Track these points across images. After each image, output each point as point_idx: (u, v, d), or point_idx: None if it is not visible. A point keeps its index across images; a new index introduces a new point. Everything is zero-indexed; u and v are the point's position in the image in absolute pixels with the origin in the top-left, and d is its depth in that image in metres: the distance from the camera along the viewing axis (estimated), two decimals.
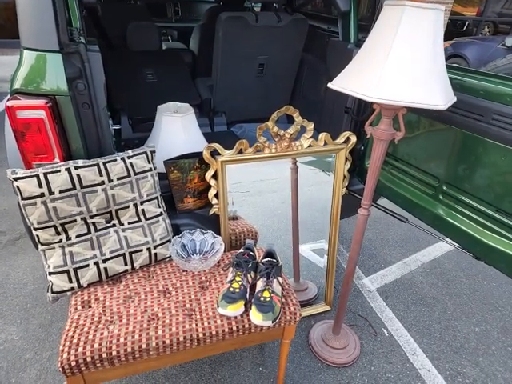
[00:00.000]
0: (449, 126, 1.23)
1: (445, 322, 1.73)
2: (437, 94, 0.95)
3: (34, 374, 1.40)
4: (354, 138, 1.45)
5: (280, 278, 1.19)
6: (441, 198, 1.31)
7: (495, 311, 1.81)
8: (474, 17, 7.56)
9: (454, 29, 7.03)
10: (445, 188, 1.29)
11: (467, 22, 7.28)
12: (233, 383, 1.40)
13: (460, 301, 1.86)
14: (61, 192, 1.10)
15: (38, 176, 1.08)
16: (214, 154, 1.31)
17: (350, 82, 1.02)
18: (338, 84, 1.05)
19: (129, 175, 1.19)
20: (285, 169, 1.52)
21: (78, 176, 1.11)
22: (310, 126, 1.36)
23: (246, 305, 1.12)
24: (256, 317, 1.08)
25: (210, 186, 1.35)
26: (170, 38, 2.87)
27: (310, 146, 1.41)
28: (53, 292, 1.16)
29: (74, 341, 1.01)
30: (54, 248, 1.14)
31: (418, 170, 1.38)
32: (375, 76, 0.96)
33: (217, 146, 1.29)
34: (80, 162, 1.14)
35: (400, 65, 0.94)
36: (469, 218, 1.23)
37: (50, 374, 1.40)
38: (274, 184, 1.56)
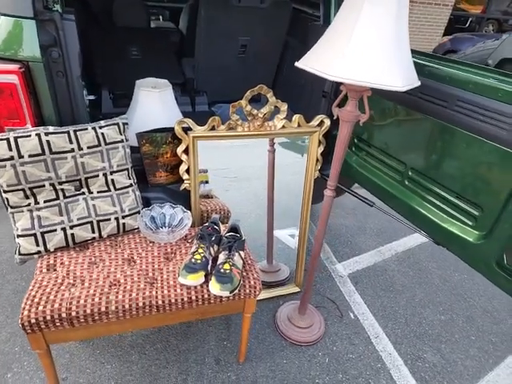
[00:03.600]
0: (416, 112, 1.25)
1: (411, 308, 1.77)
2: (396, 76, 0.96)
3: (3, 336, 1.44)
4: (327, 122, 1.47)
5: (242, 252, 1.22)
6: (406, 183, 1.33)
7: (463, 301, 1.85)
8: (477, 14, 7.50)
9: (457, 25, 6.97)
10: (410, 174, 1.31)
11: (470, 19, 7.22)
12: (196, 355, 1.45)
13: (429, 290, 1.89)
14: (30, 156, 1.12)
15: (8, 140, 1.10)
16: (187, 129, 1.33)
17: (315, 60, 1.04)
18: (304, 63, 1.07)
19: (99, 144, 1.22)
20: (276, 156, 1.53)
21: (48, 142, 1.14)
22: (284, 106, 1.38)
23: (206, 276, 1.15)
24: (214, 287, 1.11)
25: (181, 162, 1.37)
26: (161, 17, 2.87)
27: (283, 127, 1.42)
28: (20, 254, 1.19)
29: (36, 300, 1.04)
30: (22, 211, 1.17)
31: (387, 156, 1.40)
32: (338, 56, 0.97)
33: (189, 121, 1.31)
34: (51, 129, 1.16)
35: (361, 46, 0.95)
36: (431, 204, 1.25)
37: (19, 337, 1.44)
38: (263, 171, 1.58)
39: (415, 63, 1.05)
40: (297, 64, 1.08)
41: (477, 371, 1.52)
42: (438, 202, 1.24)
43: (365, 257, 2.07)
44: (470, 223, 1.15)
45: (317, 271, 1.86)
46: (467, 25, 7.17)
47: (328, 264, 1.98)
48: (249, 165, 1.55)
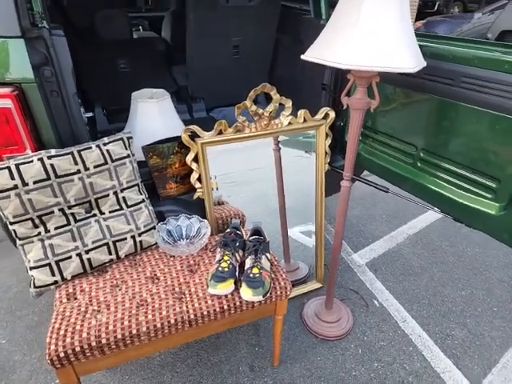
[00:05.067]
0: (422, 93, 1.25)
1: (432, 288, 1.78)
2: (405, 58, 0.95)
3: (24, 375, 1.36)
4: (332, 114, 1.46)
5: (268, 255, 1.19)
6: (419, 165, 1.33)
7: (479, 275, 1.87)
8: None
9: (426, 9, 7.14)
10: (422, 155, 1.31)
11: (437, 3, 7.42)
12: (230, 365, 1.41)
13: (446, 268, 1.90)
14: (35, 183, 1.06)
15: (9, 168, 1.04)
16: (194, 137, 1.29)
17: (322, 51, 1.02)
18: (310, 55, 1.05)
19: (106, 162, 1.16)
20: (270, 156, 1.51)
21: (52, 165, 1.08)
22: (289, 103, 1.35)
23: (235, 283, 1.11)
24: (246, 293, 1.08)
25: (192, 170, 1.33)
26: (140, 27, 2.81)
27: (289, 123, 1.40)
28: (35, 287, 1.12)
29: (61, 332, 0.98)
30: (32, 242, 1.11)
31: (397, 140, 1.40)
32: (346, 44, 0.96)
33: (195, 128, 1.27)
34: (53, 152, 1.10)
35: (368, 31, 0.94)
36: (447, 182, 1.25)
37: (41, 374, 1.37)
38: (262, 173, 1.55)
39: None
40: (303, 57, 1.06)
41: (504, 341, 1.53)
42: (453, 180, 1.24)
43: (379, 244, 2.07)
44: (489, 196, 1.15)
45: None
46: (435, 8, 7.36)
47: (345, 255, 1.96)
48: (247, 168, 1.52)
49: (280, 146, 1.52)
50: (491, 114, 1.09)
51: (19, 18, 1.00)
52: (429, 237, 2.13)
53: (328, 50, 1.00)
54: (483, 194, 1.17)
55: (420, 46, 1.08)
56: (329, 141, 1.50)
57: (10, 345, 1.47)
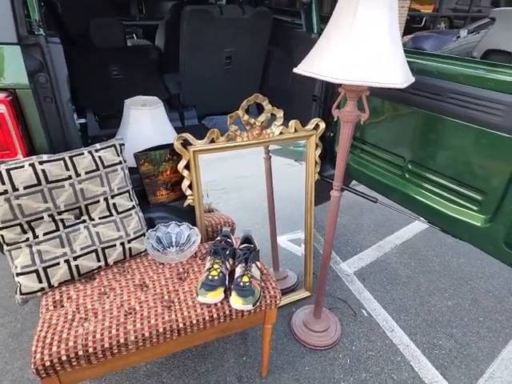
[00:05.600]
0: (411, 107, 1.29)
1: (419, 298, 1.80)
2: (395, 74, 0.99)
3: None
4: (322, 125, 1.49)
5: (258, 263, 1.20)
6: (407, 176, 1.36)
7: (465, 285, 1.90)
8: (430, 13, 7.98)
9: (413, 24, 7.37)
10: (410, 167, 1.34)
11: (425, 18, 7.66)
12: (217, 375, 1.39)
13: (432, 277, 1.94)
14: (25, 188, 1.05)
15: None
16: (186, 144, 1.30)
17: (314, 65, 1.05)
18: (303, 68, 1.07)
19: (97, 169, 1.16)
20: (259, 164, 1.53)
21: (43, 171, 1.07)
22: (280, 113, 1.38)
23: (225, 291, 1.11)
24: (236, 301, 1.08)
25: (183, 178, 1.33)
26: (134, 35, 2.83)
27: (281, 133, 1.43)
28: (22, 294, 1.10)
29: (48, 340, 0.97)
30: (20, 248, 1.09)
31: (386, 152, 1.43)
32: (337, 59, 0.99)
33: (188, 135, 1.28)
34: (45, 157, 1.09)
35: (360, 47, 0.97)
36: (434, 193, 1.29)
37: None
38: (250, 180, 1.57)
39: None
40: (296, 70, 1.08)
41: (490, 351, 1.56)
42: (441, 192, 1.27)
43: (367, 253, 2.09)
44: (475, 208, 1.19)
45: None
46: (422, 24, 7.60)
47: (333, 264, 1.98)
48: (235, 176, 1.53)
49: (271, 154, 1.54)
50: (476, 129, 1.13)
51: (16, 25, 1.00)
52: (415, 246, 2.17)
53: (320, 64, 1.03)
54: (469, 205, 1.21)
55: (408, 62, 1.12)
56: (319, 151, 1.53)
57: None
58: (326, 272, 1.46)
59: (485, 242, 1.18)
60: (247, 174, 1.56)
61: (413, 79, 1.08)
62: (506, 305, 1.79)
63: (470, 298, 1.82)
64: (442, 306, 1.76)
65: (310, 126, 1.48)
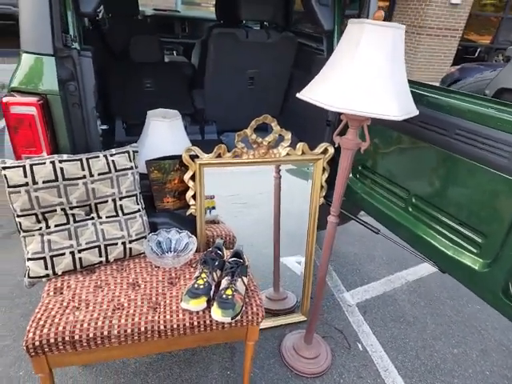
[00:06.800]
0: (418, 140, 1.27)
1: (422, 341, 1.70)
2: (393, 106, 0.99)
3: (9, 360, 1.45)
4: (331, 149, 1.50)
5: (245, 278, 1.22)
6: (410, 210, 1.33)
7: (477, 334, 1.76)
8: (485, 44, 7.66)
9: (466, 55, 7.12)
10: (414, 200, 1.31)
11: (479, 49, 7.37)
12: None
13: (441, 321, 1.82)
14: (44, 182, 1.18)
15: (24, 167, 1.16)
16: (194, 157, 1.38)
17: (316, 92, 1.08)
18: (305, 94, 1.11)
19: (109, 171, 1.27)
20: (271, 183, 1.56)
21: (62, 169, 1.20)
22: (288, 135, 1.42)
23: (208, 301, 1.15)
24: (216, 313, 1.11)
25: (188, 188, 1.41)
26: (175, 52, 3.05)
27: (287, 154, 1.46)
28: (29, 277, 1.22)
29: (41, 323, 1.06)
30: (33, 235, 1.22)
31: (392, 183, 1.41)
32: (336, 87, 1.02)
33: (196, 149, 1.36)
34: (65, 156, 1.22)
35: (358, 79, 1.00)
36: (435, 231, 1.24)
37: (24, 362, 1.45)
38: (263, 198, 1.60)
39: (415, 93, 1.09)
40: (298, 95, 1.13)
41: None
42: (442, 229, 1.22)
43: (374, 285, 2.02)
44: (475, 251, 1.13)
45: (324, 299, 1.82)
46: (476, 55, 7.31)
47: (336, 292, 1.94)
48: (258, 191, 1.58)
49: (281, 174, 1.57)
50: (481, 169, 1.09)
51: (53, 39, 1.16)
52: (428, 286, 2.06)
53: (320, 91, 1.06)
54: (469, 247, 1.15)
55: (418, 95, 1.12)
56: (326, 175, 1.54)
57: (3, 329, 1.57)
58: (321, 297, 1.44)
59: (482, 288, 1.11)
60: (261, 192, 1.60)
61: (416, 112, 1.07)
62: None
63: (479, 349, 1.68)
64: (447, 353, 1.65)
65: (319, 149, 1.50)
